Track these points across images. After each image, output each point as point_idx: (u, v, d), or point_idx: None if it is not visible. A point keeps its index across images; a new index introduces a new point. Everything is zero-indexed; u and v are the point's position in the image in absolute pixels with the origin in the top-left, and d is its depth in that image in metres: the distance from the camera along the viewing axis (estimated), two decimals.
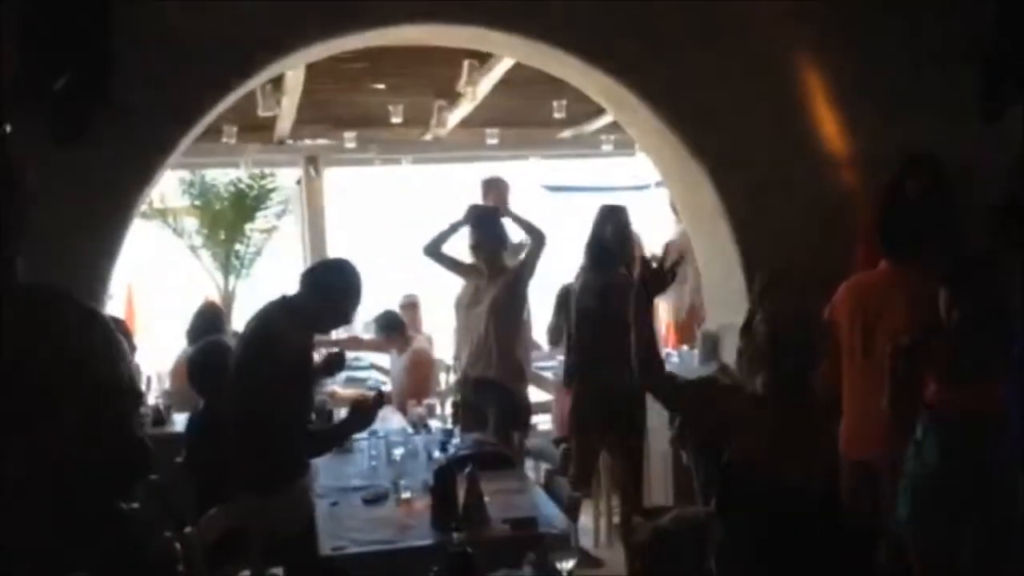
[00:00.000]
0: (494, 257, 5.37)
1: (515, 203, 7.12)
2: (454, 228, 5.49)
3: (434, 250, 5.42)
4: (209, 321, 5.73)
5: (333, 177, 9.32)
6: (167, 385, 6.27)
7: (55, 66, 3.84)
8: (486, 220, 5.45)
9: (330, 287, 3.85)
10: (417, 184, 10.35)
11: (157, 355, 7.14)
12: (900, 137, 4.38)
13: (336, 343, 7.02)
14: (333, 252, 8.04)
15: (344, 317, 3.98)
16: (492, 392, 5.16)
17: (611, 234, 5.07)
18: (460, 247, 5.63)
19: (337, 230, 9.01)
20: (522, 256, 5.48)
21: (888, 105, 4.61)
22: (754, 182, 4.68)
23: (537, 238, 5.38)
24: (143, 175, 4.31)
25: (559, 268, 6.64)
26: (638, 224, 7.66)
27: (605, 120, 7.77)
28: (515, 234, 5.77)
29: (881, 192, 3.85)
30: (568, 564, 2.80)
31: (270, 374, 3.63)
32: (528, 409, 5.54)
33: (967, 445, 3.00)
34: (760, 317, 2.64)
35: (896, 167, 3.79)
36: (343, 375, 7.13)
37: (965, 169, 4.04)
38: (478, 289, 5.35)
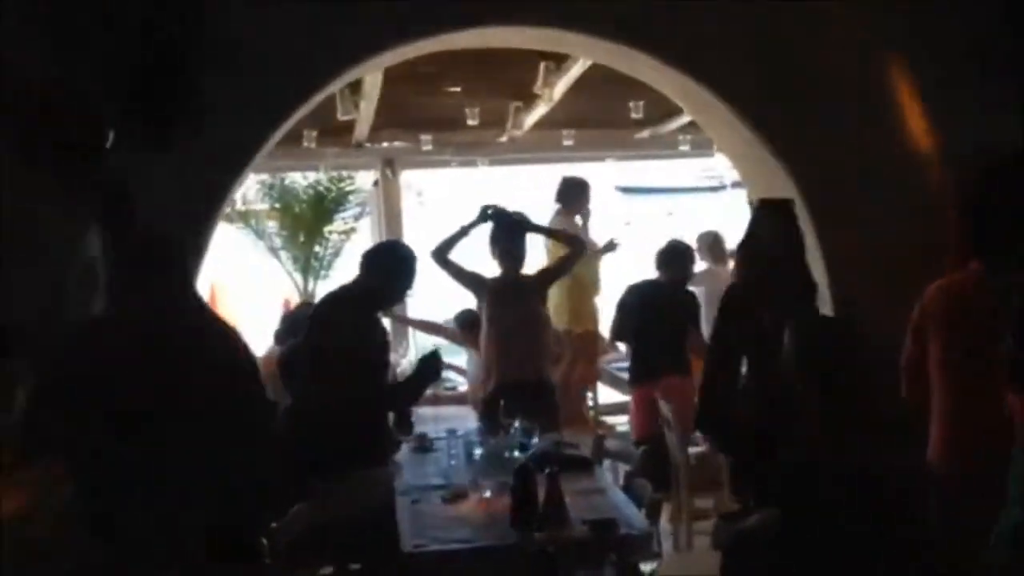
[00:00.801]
0: (517, 269, 5.23)
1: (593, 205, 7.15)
2: (465, 231, 5.23)
3: (442, 255, 5.17)
4: (298, 322, 5.82)
5: (410, 179, 9.40)
6: None
7: (138, 72, 3.93)
8: (515, 228, 5.25)
9: (383, 267, 4.21)
10: (493, 186, 10.41)
11: None
12: (987, 135, 4.27)
13: (414, 323, 7.06)
14: None
15: (399, 293, 4.34)
16: (534, 392, 5.06)
17: (769, 238, 4.14)
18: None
19: (415, 231, 9.09)
20: (554, 263, 5.46)
21: (974, 103, 4.50)
22: (838, 181, 4.60)
23: (578, 247, 5.42)
24: (227, 178, 4.41)
25: (634, 270, 6.64)
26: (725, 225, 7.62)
27: (683, 120, 7.71)
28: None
29: (972, 191, 3.74)
30: (650, 566, 2.79)
31: (333, 356, 3.92)
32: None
33: None
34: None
35: (985, 165, 3.68)
36: None
37: None
38: (501, 300, 5.17)
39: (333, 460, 3.75)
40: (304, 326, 5.43)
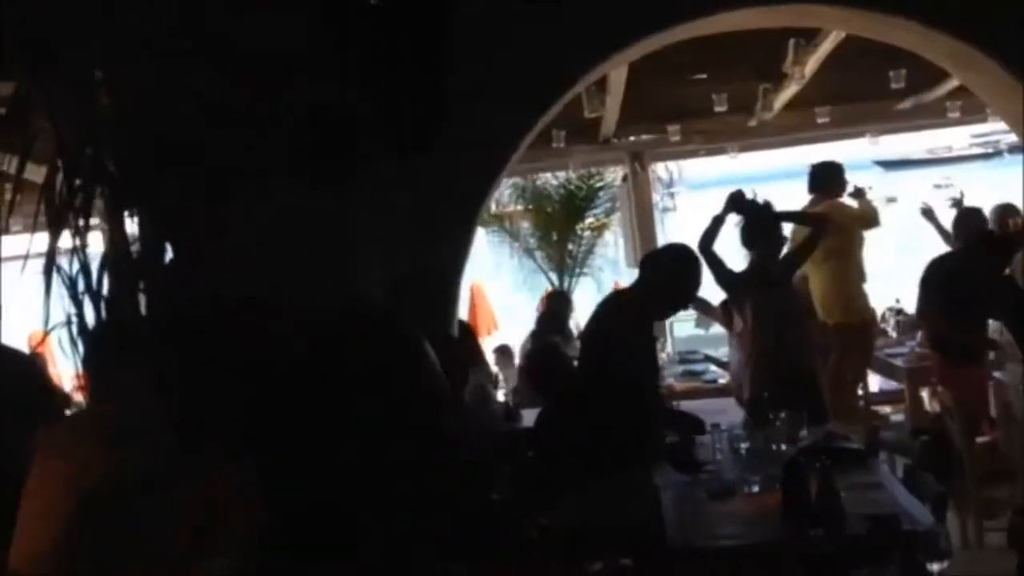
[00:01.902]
0: (770, 258, 5.08)
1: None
2: (718, 222, 5.07)
3: (707, 249, 4.97)
4: (550, 320, 5.92)
5: (659, 172, 9.37)
6: (514, 383, 6.53)
7: (396, 78, 4.07)
8: (763, 216, 5.09)
9: (666, 274, 4.11)
10: (745, 172, 10.17)
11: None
12: None
13: None
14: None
15: (682, 301, 4.24)
16: (798, 382, 4.86)
17: None
18: None
19: (666, 224, 9.06)
20: (796, 247, 5.30)
21: None
22: None
23: (819, 228, 5.23)
24: (485, 181, 4.53)
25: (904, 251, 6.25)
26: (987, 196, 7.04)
27: (950, 85, 7.20)
28: None
29: None
30: (939, 565, 2.61)
31: (605, 365, 3.90)
32: None
33: None
34: None
35: None
36: (679, 368, 7.12)
37: None
38: (757, 291, 5.03)
39: (603, 456, 3.77)
40: (557, 322, 5.51)
